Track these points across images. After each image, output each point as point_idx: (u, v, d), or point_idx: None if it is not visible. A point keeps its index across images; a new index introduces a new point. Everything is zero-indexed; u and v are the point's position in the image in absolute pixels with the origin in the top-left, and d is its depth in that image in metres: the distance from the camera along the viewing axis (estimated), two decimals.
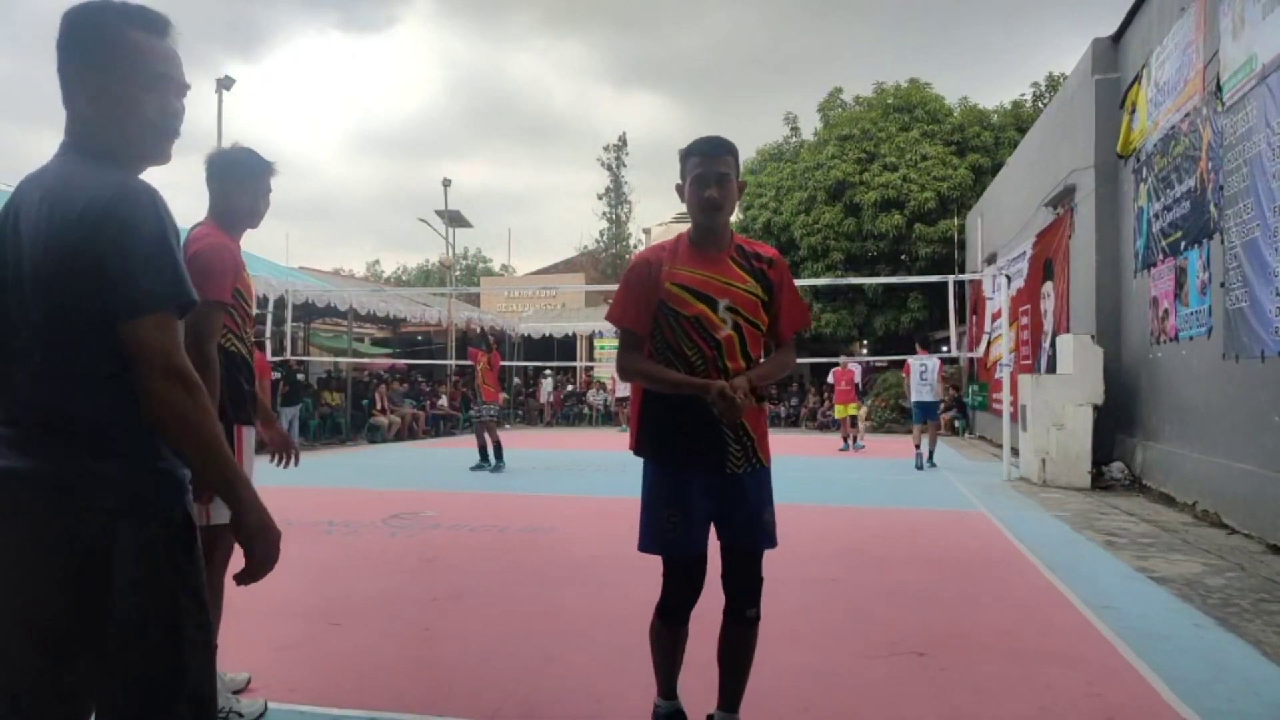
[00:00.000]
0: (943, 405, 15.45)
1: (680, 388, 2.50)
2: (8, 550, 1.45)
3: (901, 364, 15.59)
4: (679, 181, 2.65)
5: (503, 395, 11.19)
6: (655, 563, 2.61)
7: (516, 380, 24.92)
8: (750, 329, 2.57)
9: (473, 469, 11.24)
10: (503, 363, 11.57)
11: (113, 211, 1.45)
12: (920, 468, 11.76)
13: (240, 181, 3.04)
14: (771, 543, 2.61)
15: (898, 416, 20.32)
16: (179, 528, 1.52)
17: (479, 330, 13.48)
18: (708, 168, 2.54)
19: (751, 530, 2.57)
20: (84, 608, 1.44)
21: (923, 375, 12.08)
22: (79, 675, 1.47)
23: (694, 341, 2.54)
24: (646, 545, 2.58)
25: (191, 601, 1.52)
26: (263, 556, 1.55)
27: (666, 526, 2.51)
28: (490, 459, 11.26)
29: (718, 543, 2.61)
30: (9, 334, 1.49)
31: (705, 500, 2.53)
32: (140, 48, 1.57)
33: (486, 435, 11.25)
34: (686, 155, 2.60)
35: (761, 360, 2.65)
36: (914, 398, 12.23)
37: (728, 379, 2.48)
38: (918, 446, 12.10)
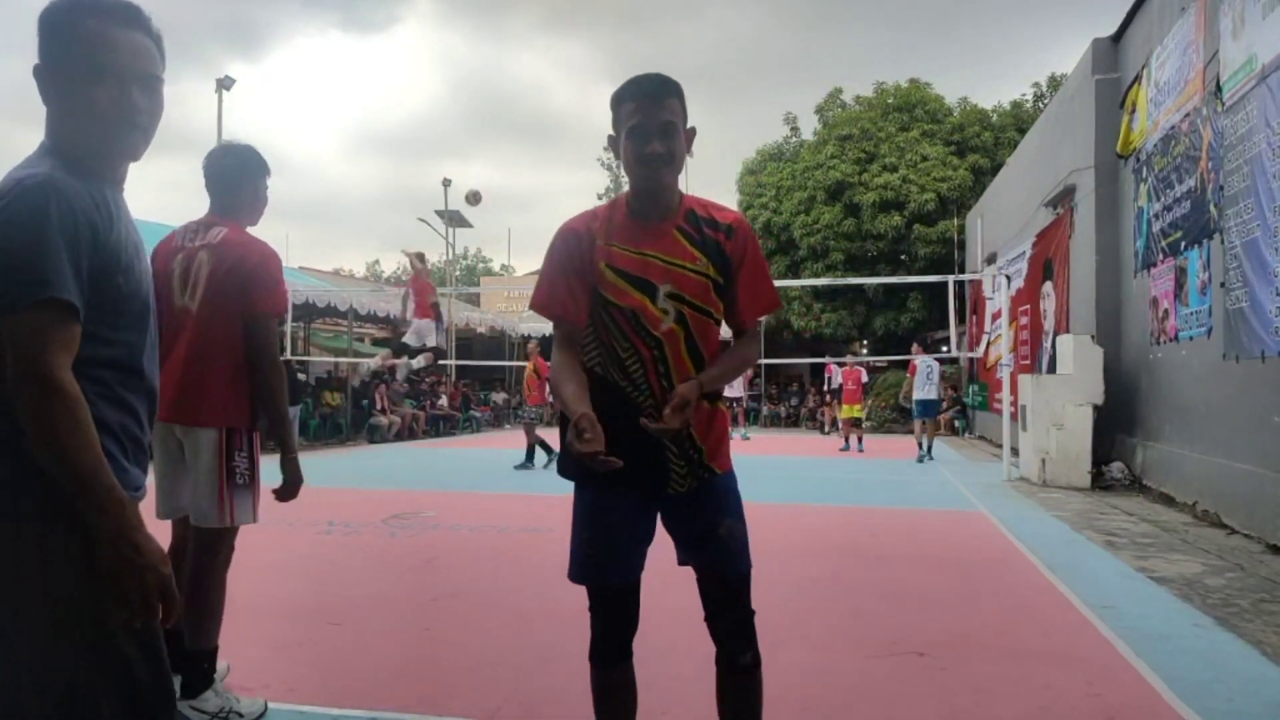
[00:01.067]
0: (944, 404, 16.03)
1: (567, 409, 1.98)
2: None
3: (903, 364, 16.20)
4: (611, 134, 2.13)
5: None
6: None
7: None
8: (699, 318, 2.08)
9: (516, 468, 11.62)
10: (505, 363, 12.04)
11: None
12: (921, 460, 12.67)
13: (253, 178, 3.06)
14: (737, 565, 2.14)
15: (897, 417, 20.33)
16: (24, 532, 1.42)
17: (532, 339, 14.07)
18: (648, 115, 2.02)
19: (708, 549, 2.13)
20: None
21: (929, 375, 13.04)
22: None
23: (629, 339, 2.07)
24: (572, 573, 2.15)
25: (35, 615, 1.43)
26: (126, 594, 1.39)
27: (586, 551, 2.10)
28: (534, 460, 11.68)
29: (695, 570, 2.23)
30: None
31: (640, 522, 2.13)
32: (92, 38, 1.52)
33: (533, 434, 11.71)
34: (619, 101, 2.07)
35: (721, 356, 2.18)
36: (918, 396, 13.13)
37: (670, 383, 2.05)
38: (920, 442, 13.01)
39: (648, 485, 2.09)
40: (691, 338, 2.08)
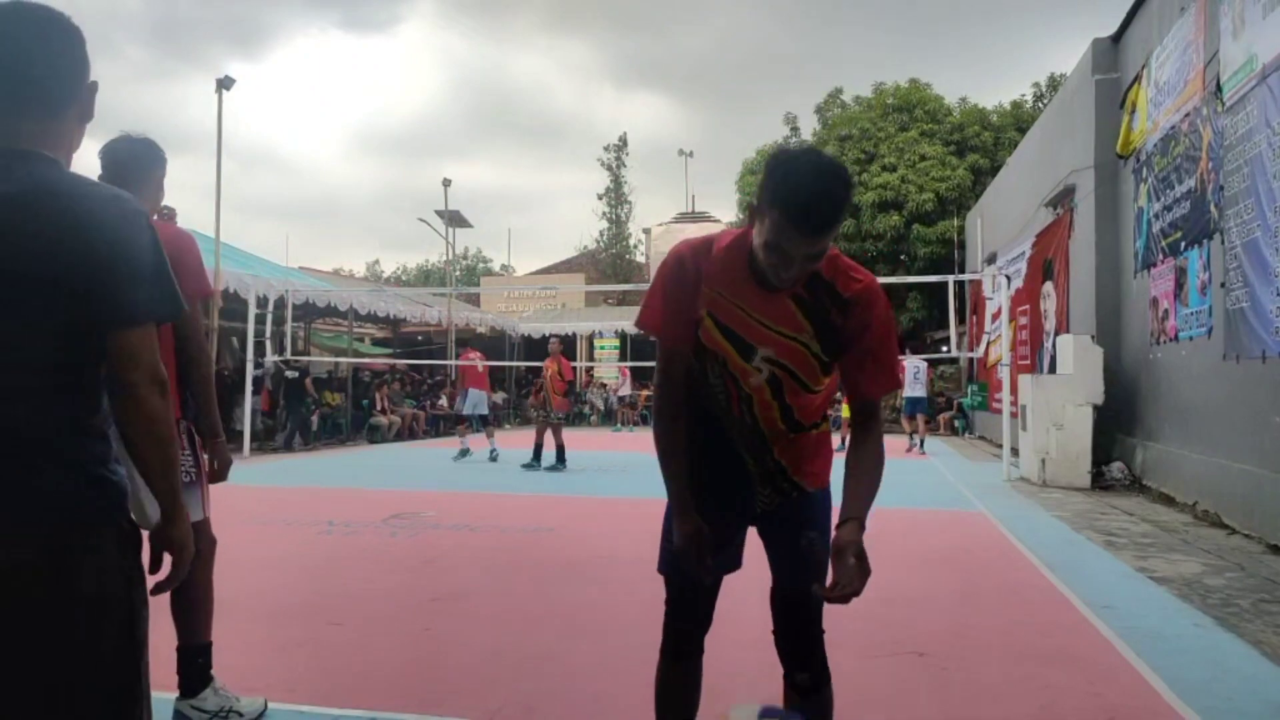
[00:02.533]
0: (935, 403, 17.92)
1: (672, 494, 2.01)
2: None
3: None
4: (753, 202, 1.84)
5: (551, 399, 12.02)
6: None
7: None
8: (791, 383, 1.97)
9: (548, 469, 11.38)
10: (505, 363, 12.11)
11: (113, 224, 1.45)
12: (910, 450, 13.95)
13: (156, 170, 2.98)
14: (810, 580, 1.99)
15: (896, 416, 20.35)
16: (126, 533, 1.52)
17: (554, 338, 14.34)
18: (801, 249, 1.76)
19: (786, 561, 2.05)
20: (26, 623, 1.40)
21: (915, 375, 14.29)
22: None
23: (719, 375, 2.00)
24: (661, 565, 2.15)
25: (142, 606, 1.53)
26: (183, 569, 1.62)
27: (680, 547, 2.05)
28: (563, 460, 11.52)
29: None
30: None
31: (735, 523, 2.10)
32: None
33: (550, 435, 11.60)
34: (777, 200, 1.73)
35: (808, 407, 2.02)
36: (906, 394, 14.40)
37: (754, 418, 1.98)
38: (910, 434, 14.54)
39: (735, 508, 2.07)
40: (781, 395, 1.97)
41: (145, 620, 1.53)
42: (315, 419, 15.86)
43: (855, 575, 1.80)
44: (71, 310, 1.42)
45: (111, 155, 2.93)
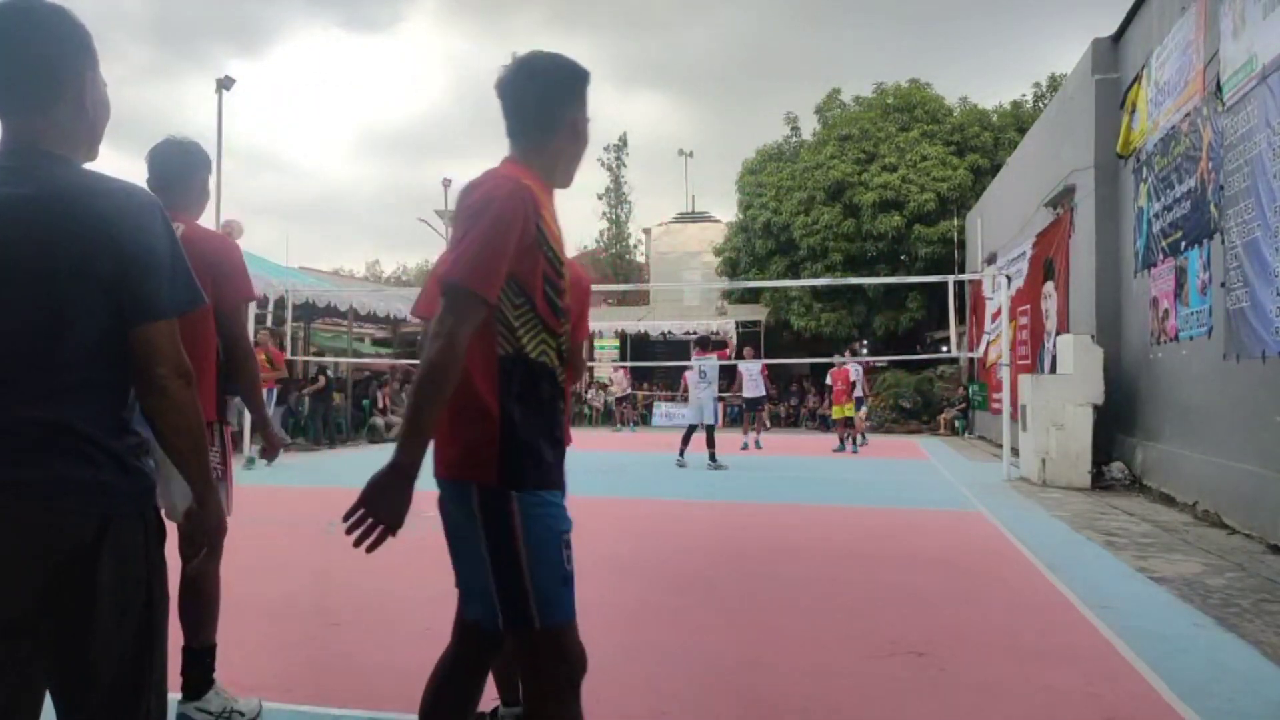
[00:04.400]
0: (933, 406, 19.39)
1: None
2: None
3: (902, 364, 17.53)
4: (573, 115, 1.97)
5: None
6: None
7: None
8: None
9: None
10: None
11: (135, 218, 1.50)
12: (864, 443, 15.73)
13: (201, 173, 3.12)
14: None
15: (897, 416, 20.36)
16: (153, 526, 1.58)
17: None
18: None
19: None
20: (60, 610, 1.46)
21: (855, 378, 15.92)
22: (27, 674, 1.50)
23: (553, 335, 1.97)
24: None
25: (161, 595, 1.59)
26: (218, 548, 1.84)
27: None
28: None
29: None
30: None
31: None
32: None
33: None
34: (587, 82, 1.99)
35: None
36: (858, 394, 16.01)
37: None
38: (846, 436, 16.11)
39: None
40: None
41: (165, 613, 1.59)
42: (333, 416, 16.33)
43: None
44: (106, 307, 1.48)
45: (155, 159, 3.03)
